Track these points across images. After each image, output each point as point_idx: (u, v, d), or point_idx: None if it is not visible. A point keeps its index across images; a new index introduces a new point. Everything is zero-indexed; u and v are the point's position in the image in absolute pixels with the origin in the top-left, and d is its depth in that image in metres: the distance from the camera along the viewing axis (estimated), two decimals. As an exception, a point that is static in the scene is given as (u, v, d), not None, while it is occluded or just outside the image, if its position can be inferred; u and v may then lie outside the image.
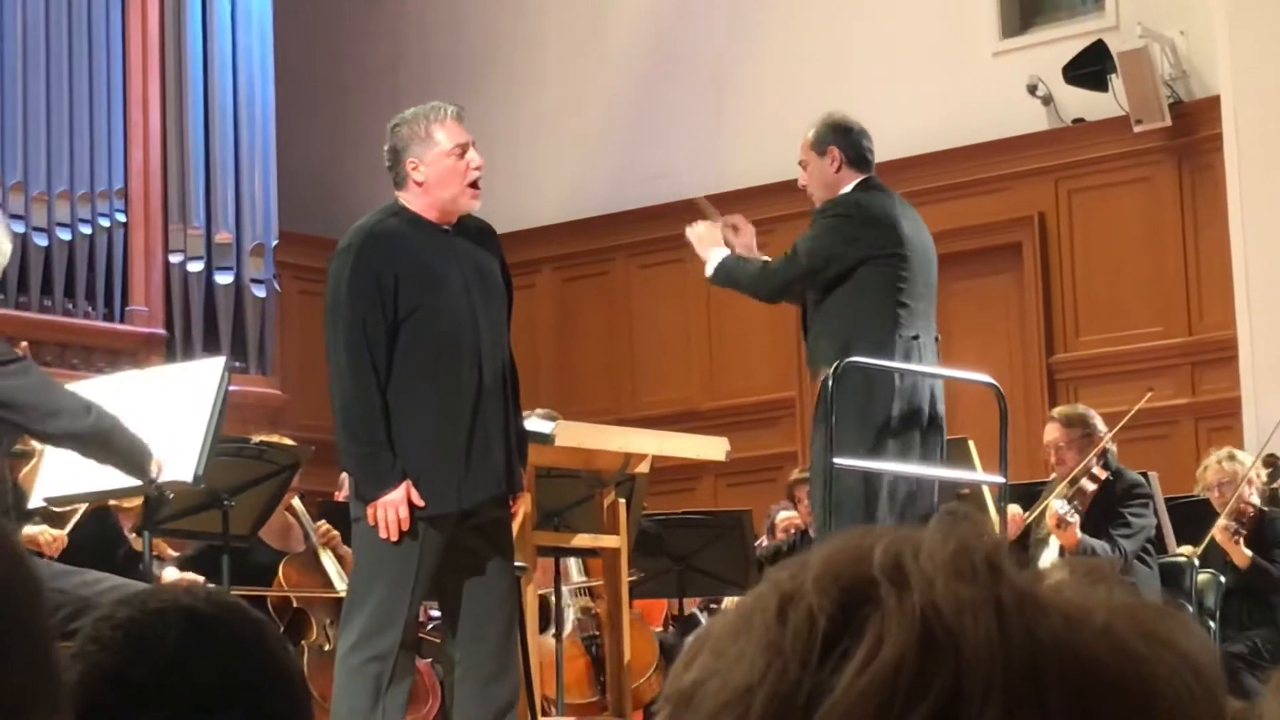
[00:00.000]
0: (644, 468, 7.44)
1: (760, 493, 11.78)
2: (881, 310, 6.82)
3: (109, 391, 6.58)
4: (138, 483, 6.32)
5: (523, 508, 6.48)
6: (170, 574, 8.23)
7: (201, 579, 7.85)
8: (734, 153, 12.98)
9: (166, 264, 12.54)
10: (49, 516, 6.96)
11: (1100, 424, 8.57)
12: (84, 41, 12.25)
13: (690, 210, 7.50)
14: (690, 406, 13.07)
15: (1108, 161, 12.20)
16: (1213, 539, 8.64)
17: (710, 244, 7.25)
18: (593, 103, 13.92)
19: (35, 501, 6.59)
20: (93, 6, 12.29)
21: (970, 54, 12.59)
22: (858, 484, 6.75)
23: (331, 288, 6.09)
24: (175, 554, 8.67)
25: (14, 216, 11.79)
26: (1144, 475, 8.62)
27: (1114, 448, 8.62)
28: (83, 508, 7.21)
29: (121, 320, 12.33)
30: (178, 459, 6.29)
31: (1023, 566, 0.93)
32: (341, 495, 9.01)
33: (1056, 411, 8.95)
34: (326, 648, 8.12)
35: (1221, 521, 8.57)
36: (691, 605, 9.98)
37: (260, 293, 12.75)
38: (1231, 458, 8.90)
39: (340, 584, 8.38)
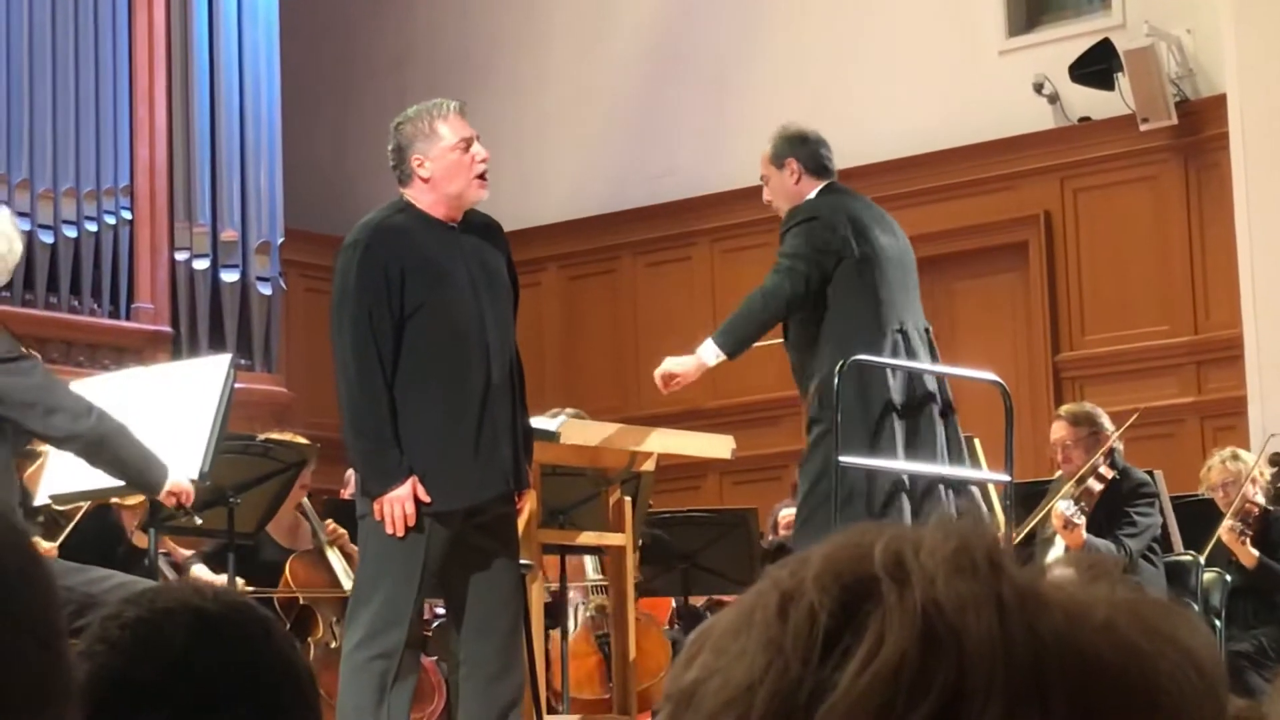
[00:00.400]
0: (649, 466, 7.44)
1: (765, 491, 11.78)
2: (863, 310, 6.81)
3: (115, 389, 6.59)
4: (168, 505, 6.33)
5: (528, 505, 6.47)
6: (201, 571, 8.26)
7: (224, 576, 7.93)
8: (738, 151, 12.97)
9: (172, 261, 12.55)
10: (51, 517, 6.97)
11: (1107, 422, 8.56)
12: (90, 39, 12.26)
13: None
14: (696, 405, 13.06)
15: (1114, 160, 12.19)
16: (1218, 540, 8.63)
17: (689, 362, 7.13)
18: (598, 101, 13.92)
19: (40, 499, 6.59)
20: (99, 4, 12.30)
21: (976, 52, 12.58)
22: (859, 481, 6.74)
23: (338, 283, 6.09)
24: (189, 551, 8.67)
25: (20, 214, 11.79)
26: (1149, 474, 8.62)
27: (1121, 446, 8.61)
28: (79, 513, 7.20)
29: (127, 318, 12.34)
30: (183, 456, 6.29)
31: (1025, 556, 0.93)
32: (347, 493, 9.02)
33: (1063, 410, 8.94)
34: (333, 645, 8.13)
35: (1227, 522, 8.56)
36: (696, 604, 9.98)
37: (266, 290, 12.75)
38: (1235, 457, 8.90)
39: (347, 582, 8.38)
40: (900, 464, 6.78)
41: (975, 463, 8.18)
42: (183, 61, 12.66)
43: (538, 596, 7.05)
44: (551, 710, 7.79)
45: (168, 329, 12.42)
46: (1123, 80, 11.94)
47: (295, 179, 13.22)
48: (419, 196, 6.15)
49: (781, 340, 7.19)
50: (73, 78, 12.15)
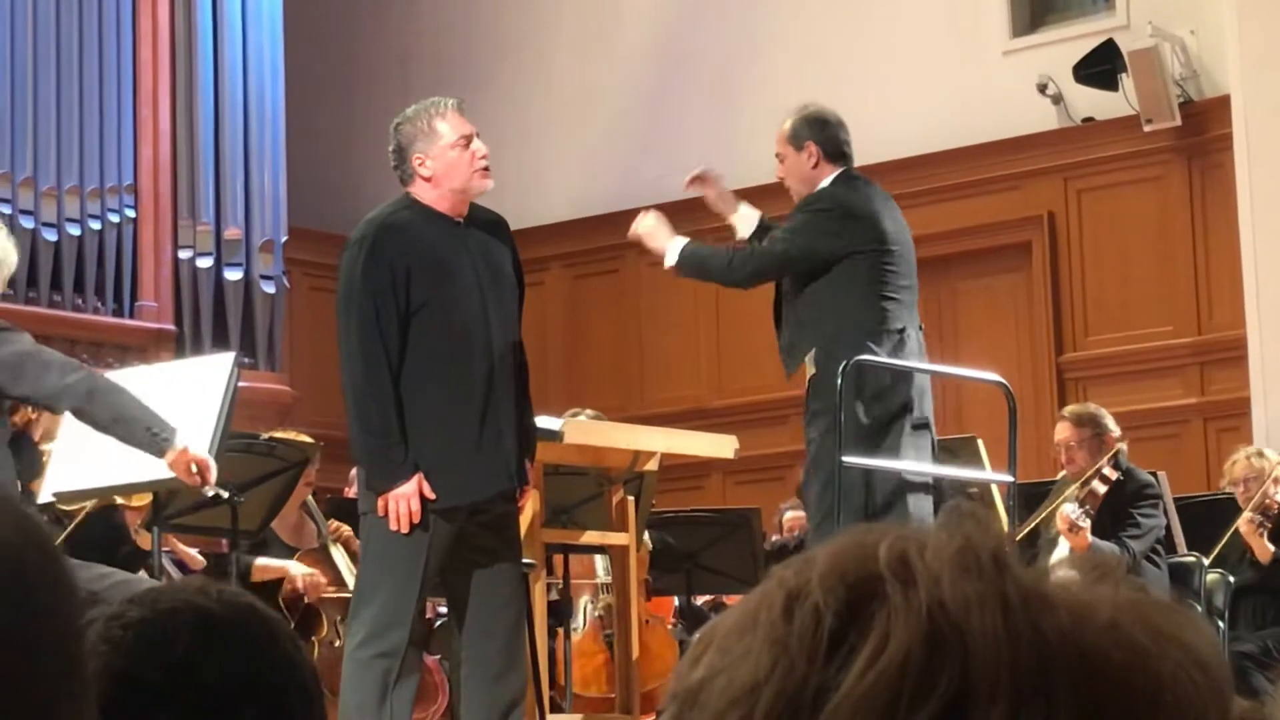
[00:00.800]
0: (653, 465, 7.44)
1: (769, 491, 11.78)
2: (866, 305, 6.79)
3: (118, 387, 6.59)
4: (145, 479, 6.32)
5: (530, 502, 6.48)
6: (266, 562, 8.29)
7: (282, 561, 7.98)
8: (743, 151, 12.97)
9: (176, 260, 12.55)
10: (54, 515, 6.96)
11: (1111, 423, 8.56)
12: (94, 37, 12.26)
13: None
14: (699, 404, 13.07)
15: (1117, 161, 12.19)
16: (1231, 537, 8.65)
17: (663, 236, 7.21)
18: (602, 100, 13.92)
19: (44, 497, 6.59)
20: (103, 3, 12.30)
21: (980, 53, 12.58)
22: (861, 481, 6.74)
23: (344, 280, 6.09)
24: (194, 549, 8.66)
25: (24, 212, 11.81)
26: (1153, 475, 8.61)
27: (1125, 447, 8.61)
28: (81, 514, 7.20)
29: (131, 316, 12.34)
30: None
31: (1029, 556, 0.93)
32: (351, 491, 9.01)
33: (1067, 411, 8.93)
34: (337, 643, 8.13)
35: (1247, 514, 8.56)
36: (699, 604, 9.98)
37: (269, 289, 12.75)
38: (1260, 454, 8.91)
39: (351, 580, 8.39)
40: (902, 465, 6.78)
41: (978, 463, 8.18)
42: (186, 60, 12.67)
43: (540, 595, 7.06)
44: (556, 708, 7.79)
45: (171, 327, 12.42)
46: (1126, 81, 11.94)
47: (299, 177, 13.22)
48: (423, 193, 6.16)
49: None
50: (77, 76, 12.16)
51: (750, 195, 12.76)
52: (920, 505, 6.79)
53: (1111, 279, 12.18)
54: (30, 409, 7.04)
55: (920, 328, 7.04)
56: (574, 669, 8.63)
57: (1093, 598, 0.93)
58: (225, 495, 6.62)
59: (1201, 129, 11.91)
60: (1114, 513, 8.31)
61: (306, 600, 8.42)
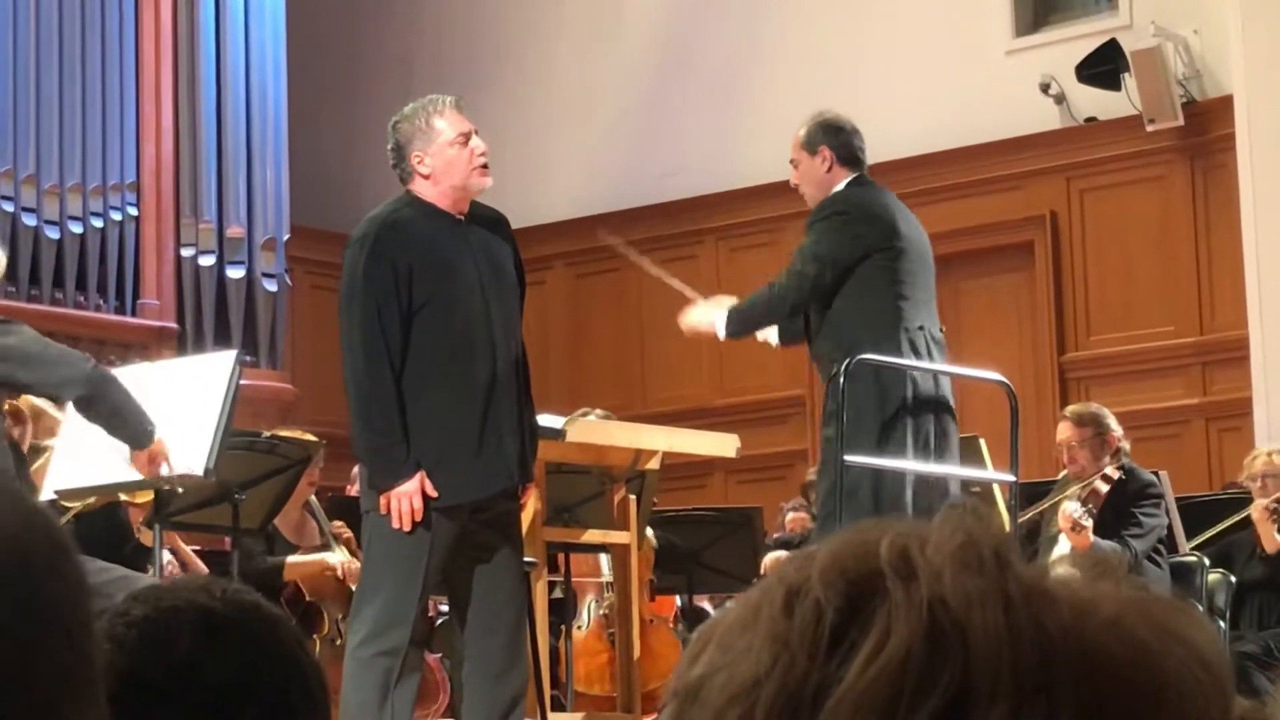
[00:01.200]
0: (655, 464, 7.44)
1: (771, 490, 11.78)
2: (884, 305, 6.80)
3: (120, 385, 6.58)
4: (147, 477, 6.33)
5: (532, 500, 6.47)
6: (334, 557, 8.31)
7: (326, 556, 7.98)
8: (745, 151, 12.98)
9: (178, 258, 12.55)
10: (56, 510, 6.97)
11: (1113, 423, 8.55)
12: (97, 35, 12.26)
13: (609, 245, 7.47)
14: (701, 403, 13.07)
15: (1120, 161, 12.19)
16: (1238, 534, 8.67)
17: (707, 314, 7.20)
18: (604, 99, 13.93)
19: (46, 494, 6.59)
20: (106, 1, 12.30)
21: (983, 52, 12.58)
22: (868, 479, 6.74)
23: (346, 278, 6.09)
24: (194, 546, 8.66)
25: (26, 209, 11.82)
26: (1155, 475, 8.61)
27: (1128, 446, 8.61)
28: (77, 510, 7.20)
29: (133, 313, 12.34)
30: (189, 452, 6.30)
31: (1030, 552, 0.93)
32: (353, 489, 9.01)
33: (1069, 410, 8.93)
34: (338, 641, 8.13)
35: (1262, 501, 8.57)
36: (700, 602, 9.99)
37: (272, 287, 12.75)
38: None
39: (356, 564, 8.40)
40: (906, 463, 6.78)
41: (980, 463, 8.18)
42: (189, 58, 12.67)
43: (541, 593, 7.06)
44: (558, 707, 7.79)
45: (173, 325, 12.43)
46: (1129, 81, 11.94)
47: (301, 175, 13.22)
48: (423, 191, 6.16)
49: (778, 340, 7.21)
50: (79, 74, 12.16)
51: (751, 195, 12.84)
52: (927, 503, 6.80)
53: (1114, 279, 12.18)
54: (24, 416, 7.04)
55: (941, 329, 7.07)
56: (578, 667, 8.64)
57: (1095, 594, 0.92)
58: (180, 490, 6.63)
59: (1204, 129, 11.90)
60: (1116, 512, 8.31)
61: (308, 598, 8.43)
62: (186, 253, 12.56)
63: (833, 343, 6.83)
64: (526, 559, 6.34)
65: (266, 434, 8.12)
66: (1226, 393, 11.61)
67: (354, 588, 8.31)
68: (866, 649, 0.88)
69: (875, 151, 11.78)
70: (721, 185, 13.27)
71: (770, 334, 7.27)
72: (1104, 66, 12.04)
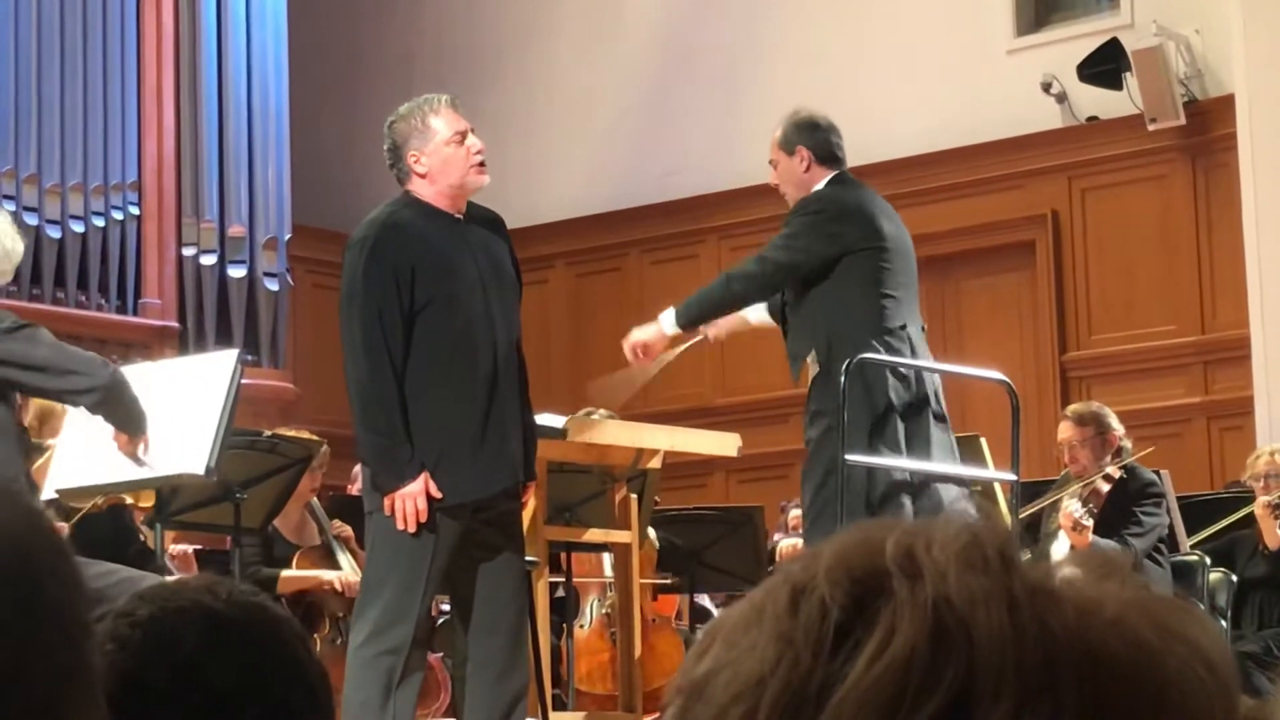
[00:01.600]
0: (656, 463, 7.44)
1: (772, 489, 11.78)
2: (865, 303, 6.79)
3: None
4: (148, 475, 6.34)
5: (532, 499, 6.47)
6: (330, 574, 8.32)
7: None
8: (747, 149, 12.96)
9: (180, 257, 12.56)
10: (61, 508, 6.97)
11: (1114, 422, 8.55)
12: (99, 34, 12.27)
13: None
14: (703, 402, 13.07)
15: (1121, 160, 12.19)
16: (1240, 533, 8.68)
17: (650, 327, 7.19)
18: (606, 98, 13.93)
19: (47, 494, 6.59)
20: (108, 1, 12.31)
21: (985, 51, 12.58)
22: (861, 479, 6.74)
23: (346, 282, 6.09)
24: (191, 547, 8.67)
25: (28, 209, 11.82)
26: (1156, 474, 8.61)
27: (1129, 445, 8.61)
28: (89, 504, 7.21)
29: (134, 313, 12.35)
30: (190, 451, 6.30)
31: (1036, 553, 0.93)
32: (354, 489, 9.02)
33: (1070, 410, 8.93)
34: (339, 641, 8.14)
35: (1265, 498, 8.57)
36: (701, 600, 10.00)
37: (273, 286, 12.76)
38: None
39: (353, 577, 8.39)
40: (905, 462, 6.78)
41: (981, 462, 8.18)
42: (191, 57, 12.67)
43: (543, 593, 7.06)
44: (559, 706, 7.80)
45: (175, 324, 12.43)
46: (1131, 80, 11.94)
47: (303, 175, 13.22)
48: (421, 190, 6.16)
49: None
50: (81, 73, 12.16)
51: (752, 194, 12.82)
52: (922, 502, 6.80)
53: (1115, 278, 12.18)
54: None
55: (923, 327, 7.05)
56: (580, 666, 8.64)
57: (1099, 594, 0.93)
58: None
59: (1206, 128, 11.90)
60: (1118, 511, 8.31)
61: (308, 598, 8.43)
62: (188, 252, 12.57)
63: (809, 342, 6.82)
64: (528, 558, 6.34)
65: (268, 433, 8.12)
66: (1228, 392, 11.61)
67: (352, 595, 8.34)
68: (871, 647, 0.88)
69: (876, 151, 11.84)
70: (722, 184, 13.27)
71: (753, 313, 7.25)
72: (1105, 66, 12.04)
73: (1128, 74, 11.95)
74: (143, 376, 6.66)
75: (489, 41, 14.36)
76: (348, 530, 8.60)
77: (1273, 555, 8.61)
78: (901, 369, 6.80)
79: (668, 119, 13.66)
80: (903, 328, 6.84)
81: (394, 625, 5.95)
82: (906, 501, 6.77)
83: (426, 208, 6.12)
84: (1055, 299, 12.33)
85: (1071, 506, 8.10)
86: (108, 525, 7.48)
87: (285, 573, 8.32)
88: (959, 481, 7.07)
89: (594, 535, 7.45)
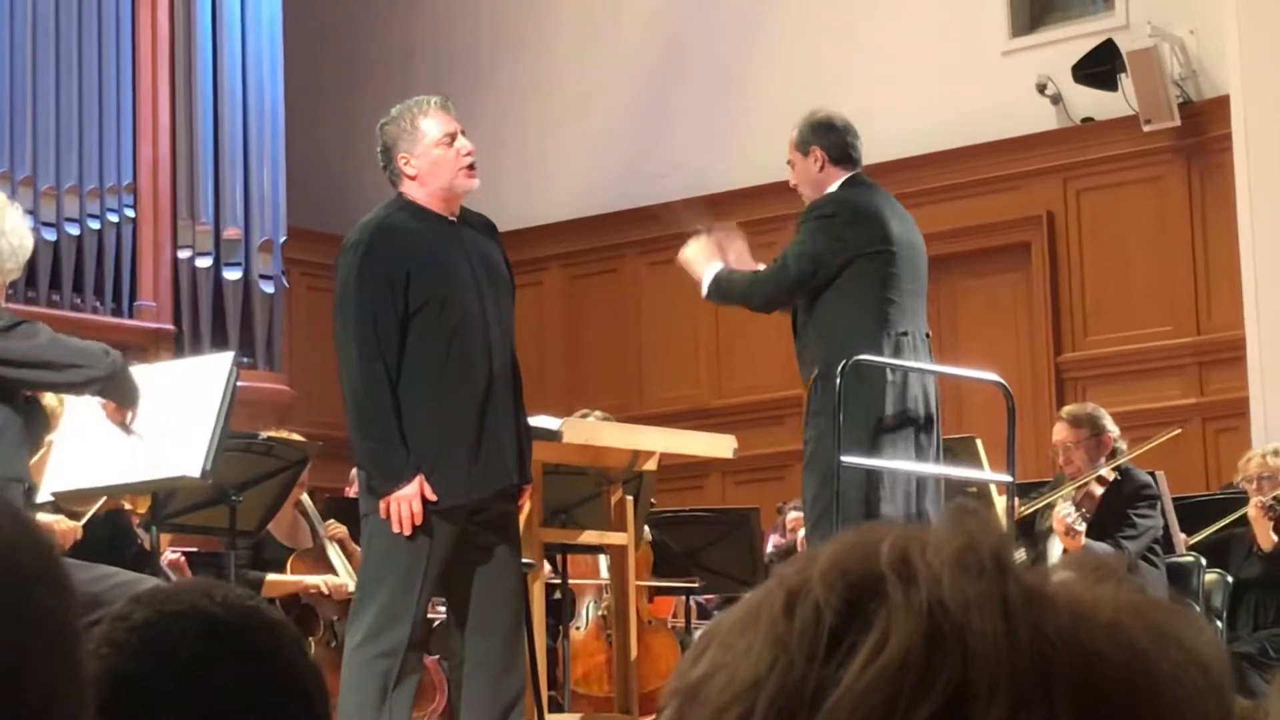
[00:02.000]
0: (652, 465, 7.44)
1: (768, 490, 11.78)
2: (869, 307, 6.80)
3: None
4: (144, 478, 6.34)
5: (529, 501, 6.48)
6: (315, 579, 8.30)
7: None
8: (743, 150, 12.98)
9: (175, 259, 12.55)
10: (74, 513, 6.98)
11: (1109, 423, 8.55)
12: (94, 37, 12.26)
13: (673, 215, 7.46)
14: (698, 404, 13.07)
15: (1117, 161, 12.19)
16: (1235, 533, 8.68)
17: (704, 261, 7.20)
18: (602, 100, 13.93)
19: (43, 496, 6.59)
20: (103, 2, 12.30)
21: (979, 53, 12.58)
22: (859, 481, 6.74)
23: (340, 285, 6.09)
24: (176, 551, 8.66)
25: (23, 211, 11.80)
26: (1151, 475, 8.61)
27: (1124, 446, 8.62)
28: (97, 505, 7.21)
29: (130, 315, 12.34)
30: (186, 454, 6.29)
31: (1033, 555, 0.93)
32: (351, 491, 9.01)
33: (1064, 411, 8.93)
34: (334, 644, 8.14)
35: (1259, 499, 8.57)
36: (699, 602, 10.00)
37: (269, 289, 12.76)
38: (1276, 453, 8.90)
39: (348, 580, 8.39)
40: (901, 464, 6.78)
41: (977, 463, 8.18)
42: (186, 59, 12.67)
43: (539, 594, 7.06)
44: (556, 708, 7.80)
45: (170, 327, 12.43)
46: (1126, 81, 11.94)
47: (298, 177, 13.22)
48: (413, 193, 6.16)
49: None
50: (76, 75, 12.16)
51: (749, 195, 12.83)
52: (919, 506, 6.80)
53: (1111, 279, 12.18)
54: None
55: (928, 334, 7.06)
56: (576, 668, 8.65)
57: (1094, 598, 0.93)
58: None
59: (1201, 129, 11.91)
60: (1112, 513, 8.32)
61: (302, 600, 8.43)
62: (183, 254, 12.56)
63: (815, 344, 6.84)
64: (524, 560, 6.34)
65: (263, 435, 8.12)
66: (1223, 393, 11.61)
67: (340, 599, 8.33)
68: (865, 651, 0.89)
69: (872, 152, 11.79)
70: (719, 186, 13.26)
71: None
72: (1100, 67, 12.04)
73: (1123, 75, 11.95)
74: (138, 379, 6.66)
75: (485, 43, 14.36)
76: (341, 530, 8.61)
77: (1266, 556, 8.62)
78: (901, 373, 6.81)
79: (663, 120, 13.66)
80: (905, 334, 6.85)
81: (390, 628, 5.95)
82: (904, 504, 6.77)
83: (420, 210, 6.12)
84: (1051, 300, 12.33)
85: (1064, 511, 8.10)
86: (106, 528, 7.48)
87: (271, 577, 8.32)
88: (955, 483, 7.08)
89: (590, 537, 7.45)
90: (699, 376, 13.37)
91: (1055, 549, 8.17)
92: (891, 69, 12.71)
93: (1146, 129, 11.92)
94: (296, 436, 8.37)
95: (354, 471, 7.62)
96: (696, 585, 9.42)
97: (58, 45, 12.08)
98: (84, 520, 7.08)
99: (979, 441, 8.33)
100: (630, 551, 7.32)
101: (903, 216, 7.04)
